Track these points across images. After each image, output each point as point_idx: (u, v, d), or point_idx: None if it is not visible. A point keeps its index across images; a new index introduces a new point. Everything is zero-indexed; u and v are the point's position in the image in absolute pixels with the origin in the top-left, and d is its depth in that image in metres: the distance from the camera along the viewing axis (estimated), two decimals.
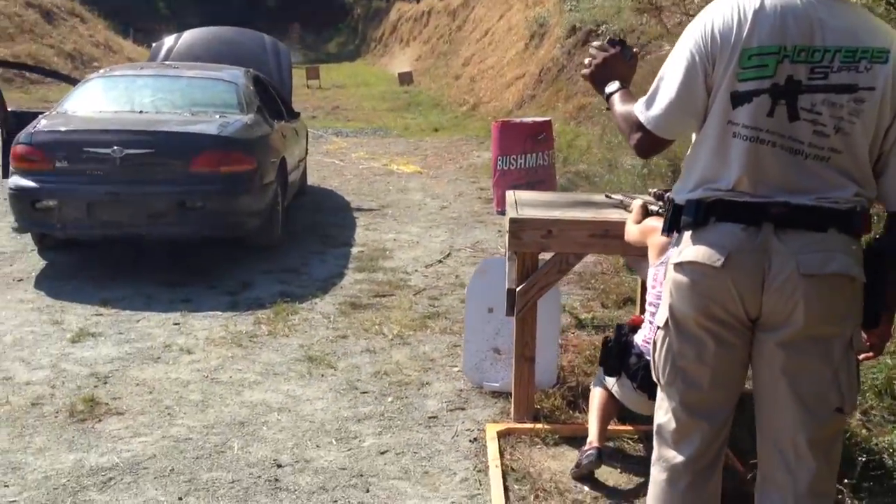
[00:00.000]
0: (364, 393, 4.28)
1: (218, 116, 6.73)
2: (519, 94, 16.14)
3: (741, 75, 2.03)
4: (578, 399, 4.09)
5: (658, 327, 2.28)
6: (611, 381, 3.37)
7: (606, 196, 4.24)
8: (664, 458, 2.29)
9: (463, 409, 4.10)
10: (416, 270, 6.54)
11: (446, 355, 4.80)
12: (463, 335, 4.48)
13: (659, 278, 3.17)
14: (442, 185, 10.30)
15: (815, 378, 2.11)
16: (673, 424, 2.26)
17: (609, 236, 3.72)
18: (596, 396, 3.51)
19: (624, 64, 2.43)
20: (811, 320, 2.05)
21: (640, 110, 2.18)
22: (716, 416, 2.25)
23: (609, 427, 3.64)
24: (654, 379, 2.32)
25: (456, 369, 4.58)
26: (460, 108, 18.20)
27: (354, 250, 7.11)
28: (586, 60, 2.47)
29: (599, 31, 14.31)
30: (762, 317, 2.11)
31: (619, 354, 3.27)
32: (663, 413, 2.30)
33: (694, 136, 2.21)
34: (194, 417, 3.94)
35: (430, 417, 4.00)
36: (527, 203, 4.08)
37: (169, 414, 3.97)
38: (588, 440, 3.39)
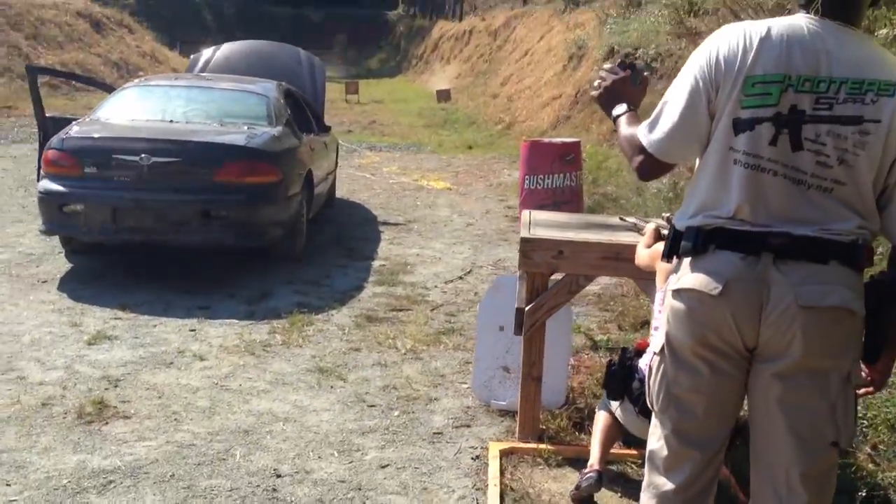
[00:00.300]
0: (371, 406, 4.27)
1: (246, 128, 6.81)
2: (554, 115, 16.11)
3: (744, 102, 2.02)
4: (585, 421, 4.04)
5: (654, 353, 2.26)
6: (614, 405, 3.32)
7: (621, 219, 4.20)
8: (654, 484, 2.26)
9: (468, 426, 4.08)
10: (436, 286, 6.53)
11: (457, 371, 4.78)
12: (474, 352, 4.45)
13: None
14: (470, 203, 10.30)
15: (812, 411, 2.07)
16: (665, 451, 2.23)
17: (621, 259, 3.68)
18: (600, 419, 3.47)
19: (632, 87, 2.42)
20: (809, 353, 2.02)
21: (643, 133, 2.17)
22: (708, 445, 2.22)
23: (612, 451, 3.59)
24: (648, 405, 2.29)
25: (465, 386, 4.55)
26: (495, 126, 18.21)
27: (376, 264, 7.12)
28: (595, 83, 2.47)
29: (637, 56, 14.28)
30: (759, 347, 2.08)
31: (622, 378, 3.23)
32: (655, 440, 2.27)
33: (696, 162, 2.19)
34: (200, 424, 3.96)
35: (434, 433, 3.98)
36: (540, 223, 4.06)
37: (175, 419, 4.00)
38: (589, 463, 3.35)
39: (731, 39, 2.05)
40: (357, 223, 8.84)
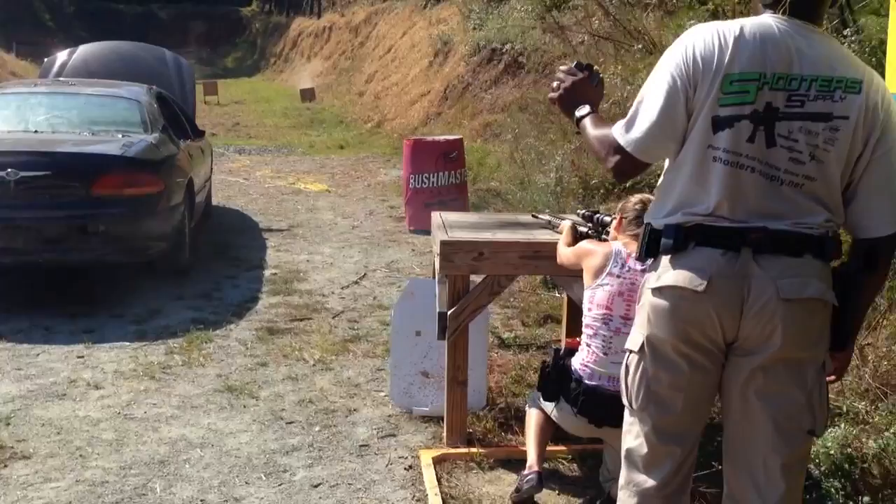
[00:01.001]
0: (290, 423, 4.11)
1: (121, 136, 6.44)
2: (424, 112, 16.14)
3: (722, 100, 2.03)
4: (510, 421, 4.05)
5: (630, 351, 2.25)
6: (549, 406, 3.31)
7: (533, 216, 4.22)
8: (634, 482, 2.26)
9: (394, 435, 3.99)
10: (333, 292, 6.39)
11: (371, 380, 4.68)
12: (389, 359, 4.37)
13: (596, 301, 3.15)
14: (352, 204, 10.16)
15: (790, 401, 2.11)
16: (644, 449, 2.23)
17: (540, 257, 3.69)
18: (532, 419, 3.46)
19: (592, 88, 2.40)
20: (788, 344, 2.06)
21: (620, 133, 2.15)
22: (686, 439, 2.24)
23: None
24: (626, 403, 2.28)
25: (382, 394, 4.46)
26: (365, 125, 18.09)
27: (267, 273, 6.90)
28: (554, 84, 2.44)
29: (504, 50, 14.49)
30: (738, 340, 2.11)
31: (557, 379, 3.22)
32: (633, 437, 2.27)
33: (667, 161, 2.19)
34: (109, 458, 3.70)
35: (361, 446, 3.87)
36: (454, 225, 4.02)
37: (81, 455, 3.72)
38: (527, 464, 3.33)
39: (705, 38, 2.06)
40: (239, 231, 8.56)
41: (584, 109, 2.35)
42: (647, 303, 2.19)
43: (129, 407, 4.25)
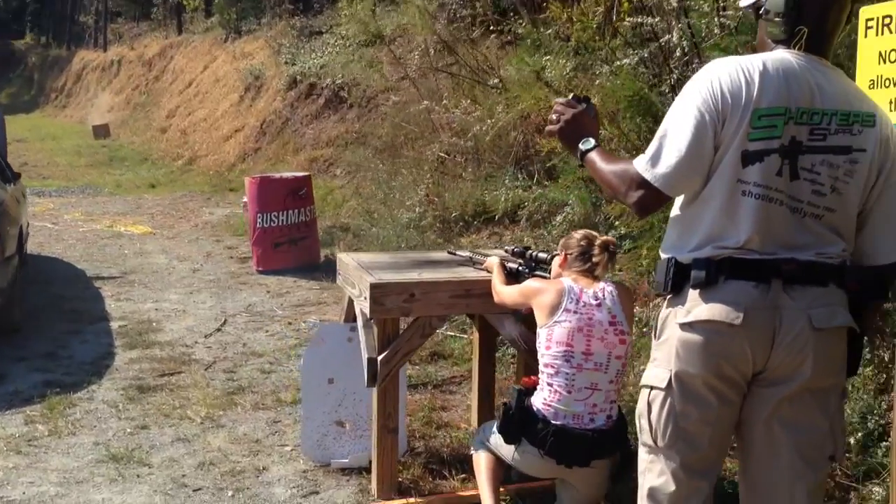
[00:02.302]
0: (197, 490, 3.74)
1: None
2: (240, 147, 15.63)
3: (752, 135, 2.04)
4: (433, 464, 3.90)
5: (652, 388, 2.20)
6: (508, 449, 3.19)
7: (450, 253, 4.12)
8: None
9: (317, 492, 3.73)
10: (197, 342, 5.96)
11: (270, 434, 4.37)
12: (300, 409, 4.10)
13: (555, 338, 3.09)
14: (184, 246, 9.59)
15: (814, 429, 2.13)
16: (672, 487, 2.18)
17: (471, 295, 3.60)
18: (483, 463, 3.34)
19: (590, 120, 2.37)
20: (817, 373, 2.08)
21: (645, 168, 2.10)
22: (712, 473, 2.23)
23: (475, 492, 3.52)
24: (647, 441, 2.22)
25: (288, 448, 4.18)
26: (174, 162, 17.23)
27: (115, 325, 6.33)
28: (553, 116, 2.39)
29: (325, 84, 14.33)
30: (765, 371, 2.10)
31: (520, 421, 3.12)
32: (655, 476, 2.21)
33: (681, 197, 2.17)
34: None
35: None
36: (373, 266, 3.85)
37: None
38: None
39: (730, 73, 2.06)
40: (65, 281, 7.83)
41: (589, 143, 2.32)
42: (674, 337, 2.15)
43: (3, 488, 3.71)
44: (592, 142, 2.31)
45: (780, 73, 2.07)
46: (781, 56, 2.11)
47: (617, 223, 5.44)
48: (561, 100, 2.42)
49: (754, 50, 2.32)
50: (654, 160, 2.11)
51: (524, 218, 6.49)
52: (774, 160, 2.06)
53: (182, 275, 8.13)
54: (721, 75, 2.08)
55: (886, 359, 3.16)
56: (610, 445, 3.09)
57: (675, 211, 2.24)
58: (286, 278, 7.85)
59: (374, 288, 3.51)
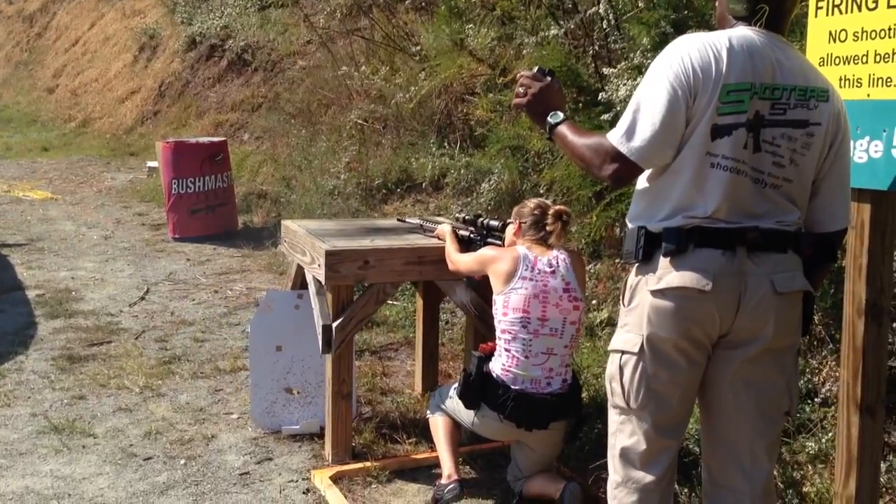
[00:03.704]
0: (147, 459, 3.73)
1: None
2: (138, 110, 15.09)
3: (721, 109, 2.14)
4: (384, 429, 4.00)
5: (623, 353, 2.30)
6: (467, 414, 3.31)
7: (399, 220, 4.19)
8: (633, 479, 2.33)
9: (270, 458, 3.77)
10: (122, 311, 5.84)
11: (213, 402, 4.37)
12: (248, 378, 4.12)
13: (511, 304, 3.21)
14: (90, 212, 9.29)
15: (773, 387, 2.28)
16: (643, 446, 2.30)
17: (424, 262, 3.70)
18: (440, 426, 3.46)
19: (556, 93, 2.42)
20: (778, 334, 2.23)
21: (620, 142, 2.18)
22: (680, 432, 2.36)
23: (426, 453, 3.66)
24: (618, 404, 2.32)
25: (234, 416, 4.20)
26: (66, 124, 16.50)
27: (31, 294, 6.13)
28: (520, 90, 2.43)
29: (226, 47, 13.98)
30: (730, 334, 2.23)
31: (480, 386, 3.24)
32: (626, 436, 2.33)
33: (649, 170, 2.26)
34: None
35: (241, 475, 3.62)
36: (322, 233, 3.89)
37: None
38: (445, 473, 3.31)
39: (699, 48, 2.16)
40: None
41: (557, 116, 2.38)
42: (645, 303, 2.25)
43: None
44: (561, 115, 2.37)
45: (745, 49, 2.17)
46: (744, 33, 2.21)
47: (543, 192, 5.61)
48: (526, 72, 2.45)
49: (684, 24, 2.35)
50: (630, 134, 2.18)
51: (450, 186, 6.58)
52: (741, 134, 2.16)
53: (93, 242, 7.90)
54: (691, 51, 2.16)
55: (816, 322, 3.42)
56: (566, 408, 3.24)
57: (641, 182, 2.31)
58: (204, 246, 7.73)
59: (330, 255, 3.55)
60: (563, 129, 2.35)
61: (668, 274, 2.21)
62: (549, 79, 2.43)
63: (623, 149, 2.18)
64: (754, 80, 2.15)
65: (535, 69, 2.46)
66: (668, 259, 2.21)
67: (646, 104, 2.18)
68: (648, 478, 2.32)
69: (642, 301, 2.26)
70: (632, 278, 2.33)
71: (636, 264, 2.31)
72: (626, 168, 2.21)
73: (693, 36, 2.23)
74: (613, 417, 2.39)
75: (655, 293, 2.22)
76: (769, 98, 2.18)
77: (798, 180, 2.25)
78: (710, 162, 2.17)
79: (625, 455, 2.35)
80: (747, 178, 2.19)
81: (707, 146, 2.16)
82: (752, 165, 2.19)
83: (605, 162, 2.22)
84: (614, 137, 2.20)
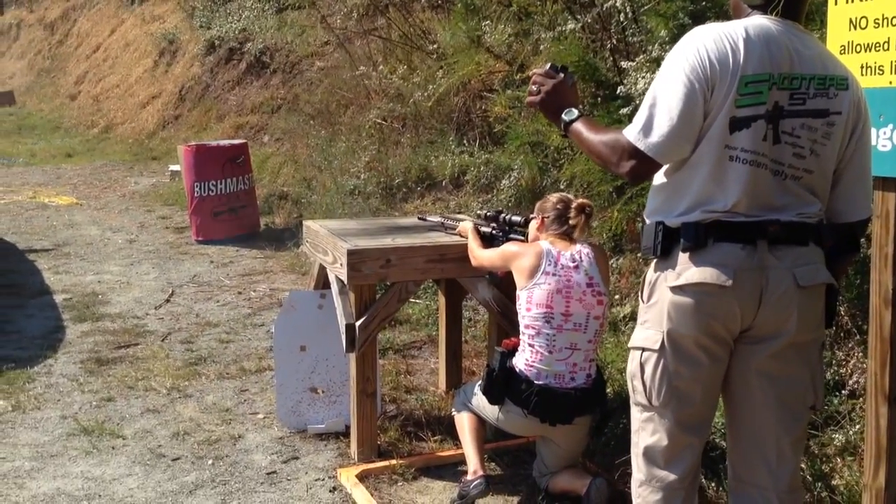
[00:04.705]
0: (176, 459, 3.77)
1: None
2: (159, 115, 15.22)
3: (739, 101, 2.10)
4: (409, 427, 4.01)
5: (644, 350, 2.27)
6: (492, 409, 3.31)
7: (420, 218, 4.21)
8: (657, 478, 2.31)
9: (297, 458, 3.80)
10: (148, 314, 5.90)
11: (240, 402, 4.41)
12: (273, 378, 4.15)
13: (535, 300, 3.21)
14: (114, 217, 9.38)
15: (797, 382, 2.25)
16: (664, 443, 2.28)
17: (446, 260, 3.70)
18: (465, 423, 3.46)
19: (570, 90, 2.39)
20: (801, 329, 2.19)
21: (637, 138, 2.15)
22: (704, 429, 2.33)
23: (449, 451, 3.68)
24: (641, 401, 2.30)
25: (260, 416, 4.23)
26: (89, 130, 16.67)
27: (59, 298, 6.20)
28: (533, 87, 2.40)
29: (245, 50, 14.06)
30: (752, 329, 2.20)
31: (504, 382, 3.24)
32: (649, 434, 2.30)
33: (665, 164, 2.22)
34: None
35: (268, 474, 3.64)
36: (344, 233, 3.91)
37: None
38: (471, 469, 3.32)
39: (715, 40, 2.12)
40: None
41: (572, 113, 2.35)
42: (665, 300, 2.22)
43: None
44: (575, 112, 2.34)
45: (762, 39, 2.12)
46: (760, 22, 2.17)
47: (564, 187, 5.60)
48: (539, 70, 2.42)
49: (702, 16, 2.28)
50: (647, 130, 2.14)
51: (470, 183, 6.58)
52: (760, 126, 2.12)
53: (118, 246, 7.98)
54: (707, 43, 2.12)
55: (842, 313, 3.39)
56: (591, 403, 3.24)
57: (659, 177, 2.27)
58: (227, 248, 7.79)
59: (352, 254, 3.57)
60: (579, 126, 2.33)
61: (687, 269, 2.18)
62: (562, 75, 2.39)
63: (640, 145, 2.14)
64: (772, 71, 2.11)
65: (548, 66, 2.42)
66: (688, 254, 2.18)
67: (662, 98, 2.14)
68: (672, 476, 2.29)
69: (662, 297, 2.23)
70: (650, 274, 2.30)
71: (655, 260, 2.27)
72: (644, 164, 2.17)
73: (708, 27, 2.19)
74: (636, 415, 2.36)
75: (675, 289, 2.19)
76: (788, 88, 2.14)
77: (819, 171, 2.21)
78: (728, 155, 2.13)
79: (648, 453, 2.32)
80: (767, 170, 2.15)
81: (726, 139, 2.12)
82: (771, 157, 2.15)
83: (622, 159, 2.19)
84: (631, 133, 2.17)
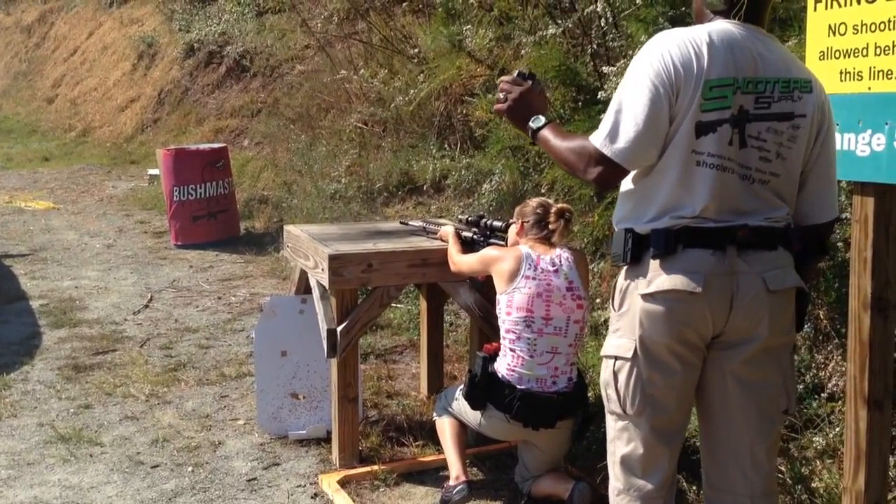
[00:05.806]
0: (155, 467, 3.73)
1: None
2: (137, 118, 15.11)
3: (704, 106, 2.09)
4: (389, 432, 4.00)
5: (616, 358, 2.26)
6: (474, 415, 3.30)
7: (402, 222, 4.19)
8: (634, 486, 2.29)
9: (278, 464, 3.77)
10: (126, 319, 5.84)
11: (219, 408, 4.38)
12: (252, 384, 4.12)
13: (515, 304, 3.20)
14: (92, 221, 9.30)
15: (770, 386, 2.24)
16: (640, 451, 2.27)
17: (428, 265, 3.69)
18: (447, 428, 3.45)
19: (537, 96, 2.38)
20: (773, 333, 2.19)
21: (603, 144, 2.13)
22: (679, 436, 2.32)
23: (431, 457, 3.67)
24: (615, 410, 2.29)
25: (240, 422, 4.20)
26: (66, 133, 16.52)
27: (35, 304, 6.14)
28: (500, 95, 2.39)
29: (225, 53, 13.99)
30: (724, 335, 2.19)
31: (486, 387, 3.23)
32: (624, 444, 2.29)
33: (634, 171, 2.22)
34: None
35: (248, 481, 3.62)
36: (325, 238, 3.89)
37: None
38: (454, 475, 3.31)
39: (679, 45, 2.11)
40: None
41: (539, 120, 2.33)
42: (636, 308, 2.20)
43: None
44: (543, 119, 2.32)
45: (725, 43, 2.12)
46: (724, 27, 2.17)
47: (545, 192, 5.61)
48: (507, 77, 2.40)
49: (682, 21, 2.29)
50: (613, 135, 2.12)
51: (451, 187, 6.58)
52: (726, 130, 2.12)
53: (96, 251, 7.91)
54: (671, 48, 2.11)
55: (821, 316, 3.41)
56: (573, 406, 3.24)
57: (626, 184, 2.26)
58: (207, 252, 7.74)
59: (333, 259, 3.55)
60: (546, 133, 2.30)
61: (657, 277, 2.16)
62: (529, 82, 2.38)
63: (607, 151, 2.12)
64: (737, 75, 2.11)
65: (516, 73, 2.40)
66: (658, 261, 2.16)
67: (627, 104, 2.12)
68: (649, 485, 2.28)
69: (633, 305, 2.22)
70: (621, 281, 2.28)
71: (625, 267, 2.26)
72: (611, 170, 2.15)
73: (671, 32, 2.18)
74: (611, 424, 2.35)
75: (646, 297, 2.18)
76: (753, 92, 2.14)
77: (785, 174, 2.21)
78: (695, 160, 2.12)
79: (625, 462, 2.31)
80: (734, 174, 2.14)
81: (692, 144, 2.11)
82: (738, 162, 2.14)
83: (589, 165, 2.17)
84: (597, 140, 2.15)
